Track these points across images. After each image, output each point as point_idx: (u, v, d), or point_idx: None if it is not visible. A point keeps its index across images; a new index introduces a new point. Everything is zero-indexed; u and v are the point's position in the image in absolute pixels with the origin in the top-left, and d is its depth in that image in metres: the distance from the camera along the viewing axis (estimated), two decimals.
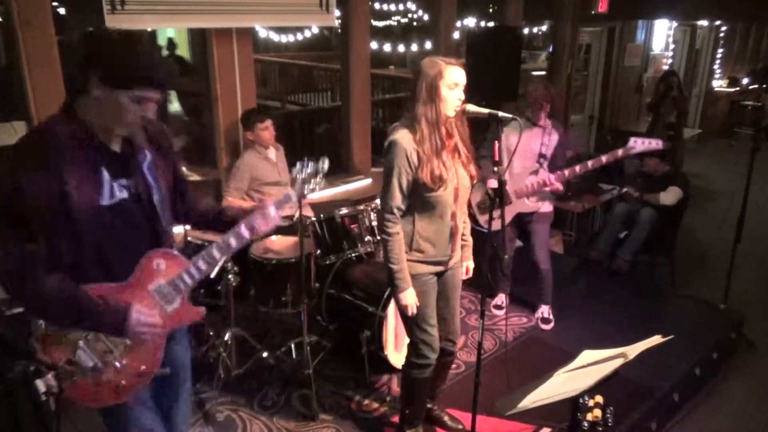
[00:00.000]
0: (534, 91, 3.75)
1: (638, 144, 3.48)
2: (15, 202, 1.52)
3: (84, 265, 1.64)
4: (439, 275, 2.61)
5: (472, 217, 3.75)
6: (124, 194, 1.70)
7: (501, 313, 4.16)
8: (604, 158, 3.54)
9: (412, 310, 2.50)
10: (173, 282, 1.79)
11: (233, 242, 1.84)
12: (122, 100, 1.59)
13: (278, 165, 4.07)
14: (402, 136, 2.36)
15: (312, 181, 1.97)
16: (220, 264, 1.84)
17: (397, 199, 2.40)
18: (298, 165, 1.97)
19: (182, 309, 1.85)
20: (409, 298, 2.49)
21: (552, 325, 4.05)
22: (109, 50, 1.58)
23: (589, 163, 3.55)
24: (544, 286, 4.05)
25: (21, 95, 3.42)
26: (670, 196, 4.70)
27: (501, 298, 4.23)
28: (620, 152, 3.51)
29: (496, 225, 3.77)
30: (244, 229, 1.85)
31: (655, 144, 3.48)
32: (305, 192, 1.97)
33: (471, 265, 2.81)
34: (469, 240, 2.75)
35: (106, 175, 1.66)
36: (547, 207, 3.87)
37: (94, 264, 1.66)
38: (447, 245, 2.53)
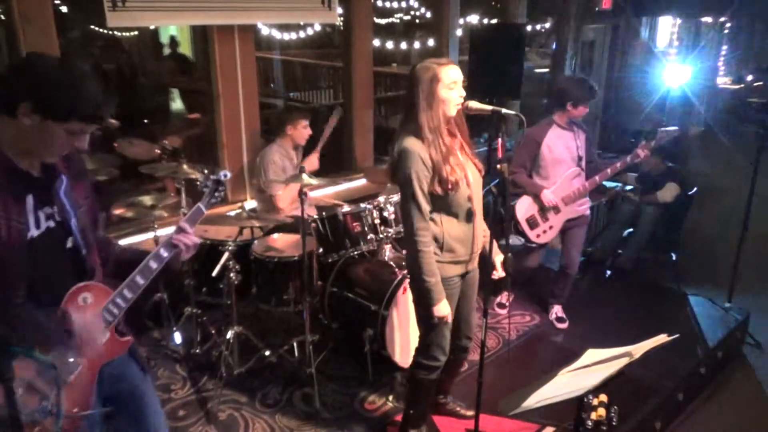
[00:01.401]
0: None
1: (664, 135, 3.58)
2: None
3: (10, 301, 1.54)
4: (462, 276, 2.59)
5: (521, 233, 3.75)
6: (51, 223, 1.62)
7: (504, 311, 4.14)
8: (640, 152, 3.61)
9: (448, 319, 2.48)
10: (102, 314, 1.71)
11: (153, 264, 1.76)
12: (54, 131, 1.51)
13: (297, 167, 4.02)
14: (412, 143, 2.34)
15: (216, 192, 1.91)
16: (141, 289, 1.76)
17: (423, 204, 2.36)
18: (202, 177, 1.94)
19: (111, 341, 1.75)
20: (445, 308, 2.45)
21: (567, 324, 4.03)
22: (44, 81, 1.48)
23: (628, 158, 3.65)
24: (564, 287, 4.04)
25: None
26: (667, 192, 4.69)
27: (504, 296, 4.21)
28: (652, 143, 3.61)
29: (545, 238, 3.83)
30: (162, 250, 1.77)
31: (673, 130, 3.62)
32: (211, 202, 1.91)
33: (501, 258, 2.69)
34: (488, 232, 2.65)
35: (30, 203, 1.57)
36: (587, 209, 3.91)
37: (21, 298, 1.56)
38: (471, 244, 2.51)
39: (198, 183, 1.95)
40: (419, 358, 2.66)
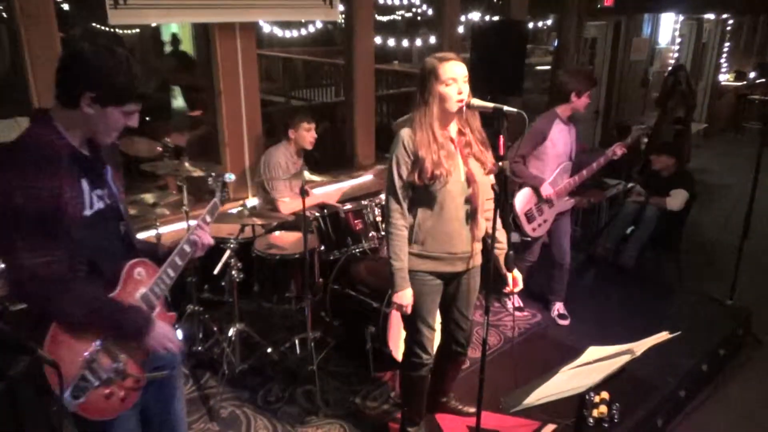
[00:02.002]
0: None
1: (639, 132, 3.83)
2: (33, 210, 1.54)
3: (78, 273, 1.67)
4: (449, 278, 2.58)
5: (518, 227, 3.76)
6: (101, 205, 1.75)
7: (523, 313, 4.15)
8: (618, 150, 3.78)
9: (406, 310, 2.50)
10: (152, 289, 1.85)
11: (187, 248, 1.94)
12: (114, 115, 1.67)
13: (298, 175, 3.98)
14: (403, 131, 2.41)
15: (224, 191, 2.20)
16: (180, 270, 1.93)
17: (399, 188, 2.40)
18: (210, 179, 2.20)
19: (161, 314, 1.90)
20: (405, 298, 2.47)
21: (569, 321, 4.04)
22: (98, 71, 1.62)
23: (602, 158, 3.80)
24: (561, 281, 4.06)
25: (24, 91, 3.42)
26: (676, 201, 4.65)
27: (517, 299, 4.22)
28: (628, 140, 3.81)
29: (540, 232, 3.86)
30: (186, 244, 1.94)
31: (645, 127, 3.95)
32: (223, 197, 2.19)
33: (518, 274, 2.58)
34: (504, 246, 2.51)
35: (85, 185, 1.70)
36: (572, 202, 3.99)
37: (86, 272, 1.69)
38: (456, 242, 2.48)
39: (209, 182, 2.20)
40: (405, 355, 2.71)
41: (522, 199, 3.78)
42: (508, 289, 2.60)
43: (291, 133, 3.88)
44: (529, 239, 3.90)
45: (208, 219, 2.03)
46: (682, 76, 7.54)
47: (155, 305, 1.86)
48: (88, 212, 1.68)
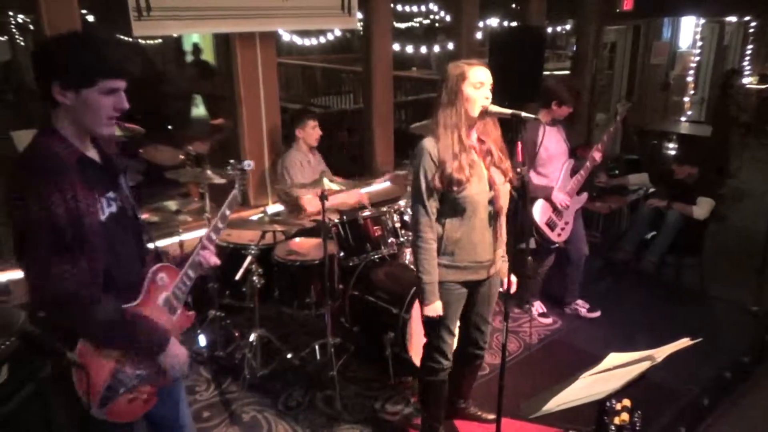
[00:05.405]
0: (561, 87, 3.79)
1: (597, 155, 3.81)
2: (48, 224, 1.51)
3: (100, 282, 1.65)
4: (473, 285, 2.59)
5: (543, 237, 3.77)
6: (113, 208, 1.72)
7: (548, 320, 4.14)
8: (596, 155, 3.80)
9: (435, 319, 2.51)
10: (174, 292, 1.86)
11: (194, 266, 1.92)
12: (92, 97, 1.57)
13: (315, 169, 4.07)
14: (425, 141, 2.41)
15: (243, 181, 2.16)
16: (202, 269, 1.94)
17: (429, 201, 2.39)
18: (229, 167, 2.17)
19: (182, 315, 1.93)
20: (437, 310, 2.49)
21: (599, 312, 4.12)
22: (57, 56, 1.56)
23: (588, 162, 3.82)
24: (577, 280, 4.10)
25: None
26: (702, 209, 4.55)
27: (540, 305, 4.21)
28: (600, 145, 3.85)
29: (565, 235, 3.88)
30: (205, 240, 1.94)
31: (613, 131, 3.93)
32: (242, 188, 2.14)
33: (513, 278, 2.63)
34: (506, 257, 2.68)
35: (97, 190, 1.67)
36: (586, 197, 4.04)
37: (103, 281, 1.67)
38: (480, 250, 2.49)
39: (228, 170, 2.18)
40: (424, 360, 2.71)
41: (539, 211, 3.79)
42: (503, 290, 2.59)
43: (299, 132, 4.04)
44: (556, 245, 3.90)
45: (220, 225, 1.98)
46: (735, 80, 7.37)
47: (176, 308, 1.88)
48: (103, 217, 1.67)
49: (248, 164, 2.21)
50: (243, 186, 2.14)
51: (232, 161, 2.24)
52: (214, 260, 1.94)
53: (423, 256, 2.43)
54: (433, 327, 2.59)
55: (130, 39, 4.01)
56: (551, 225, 3.82)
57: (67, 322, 1.60)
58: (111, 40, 1.63)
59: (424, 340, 2.70)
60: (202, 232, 3.71)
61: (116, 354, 1.70)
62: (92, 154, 1.70)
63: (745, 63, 10.70)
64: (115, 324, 1.65)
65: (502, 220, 2.53)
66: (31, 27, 3.64)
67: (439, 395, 2.78)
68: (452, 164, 2.33)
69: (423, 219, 2.42)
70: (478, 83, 2.33)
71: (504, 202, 2.50)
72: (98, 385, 1.64)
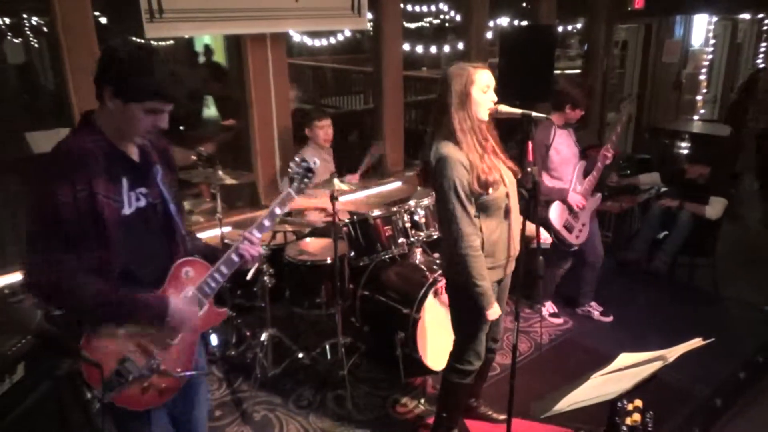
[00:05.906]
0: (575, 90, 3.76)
1: (609, 154, 3.74)
2: (49, 212, 1.58)
3: (111, 272, 1.69)
4: (498, 282, 2.59)
5: (561, 240, 3.76)
6: (142, 203, 1.76)
7: (559, 320, 4.13)
8: (607, 154, 3.74)
9: (486, 321, 2.51)
10: (201, 287, 1.88)
11: (235, 258, 1.92)
12: (135, 112, 1.65)
13: (328, 167, 4.08)
14: (449, 149, 2.34)
15: (305, 178, 2.04)
16: (235, 266, 1.93)
17: (470, 209, 2.36)
18: (293, 163, 2.06)
19: (210, 312, 1.94)
20: (496, 313, 2.48)
21: (611, 317, 4.09)
22: (119, 65, 1.62)
23: (599, 162, 3.76)
24: (592, 282, 4.09)
25: (65, 102, 3.54)
26: (715, 210, 4.52)
27: (551, 306, 4.20)
28: (610, 144, 3.77)
29: (583, 237, 3.88)
30: (233, 254, 1.92)
31: (608, 153, 3.73)
32: (300, 188, 2.03)
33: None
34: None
35: (125, 184, 1.72)
36: (600, 197, 4.03)
37: (119, 271, 1.71)
38: (507, 247, 2.50)
39: (289, 170, 2.07)
40: (454, 363, 2.67)
41: (555, 214, 3.76)
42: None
43: (307, 132, 4.08)
44: (574, 248, 3.88)
45: (267, 223, 1.95)
46: (761, 80, 7.21)
47: (204, 303, 1.89)
48: (127, 211, 1.70)
49: (315, 162, 2.06)
50: (305, 185, 2.04)
51: (297, 158, 2.07)
52: (256, 250, 1.93)
53: (476, 263, 2.38)
54: (473, 330, 2.56)
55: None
56: (569, 227, 3.80)
57: (56, 306, 1.67)
58: (173, 67, 1.70)
59: (437, 340, 2.70)
60: (214, 232, 3.75)
61: (123, 341, 1.72)
62: (130, 150, 1.76)
63: (759, 61, 10.59)
64: (100, 295, 1.65)
65: (513, 218, 2.53)
66: (45, 29, 3.67)
67: (462, 397, 2.78)
68: (482, 167, 2.33)
69: (469, 228, 2.36)
70: (485, 87, 2.34)
71: (515, 197, 2.51)
72: (105, 370, 1.67)
